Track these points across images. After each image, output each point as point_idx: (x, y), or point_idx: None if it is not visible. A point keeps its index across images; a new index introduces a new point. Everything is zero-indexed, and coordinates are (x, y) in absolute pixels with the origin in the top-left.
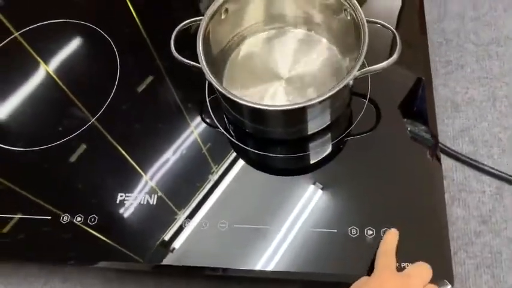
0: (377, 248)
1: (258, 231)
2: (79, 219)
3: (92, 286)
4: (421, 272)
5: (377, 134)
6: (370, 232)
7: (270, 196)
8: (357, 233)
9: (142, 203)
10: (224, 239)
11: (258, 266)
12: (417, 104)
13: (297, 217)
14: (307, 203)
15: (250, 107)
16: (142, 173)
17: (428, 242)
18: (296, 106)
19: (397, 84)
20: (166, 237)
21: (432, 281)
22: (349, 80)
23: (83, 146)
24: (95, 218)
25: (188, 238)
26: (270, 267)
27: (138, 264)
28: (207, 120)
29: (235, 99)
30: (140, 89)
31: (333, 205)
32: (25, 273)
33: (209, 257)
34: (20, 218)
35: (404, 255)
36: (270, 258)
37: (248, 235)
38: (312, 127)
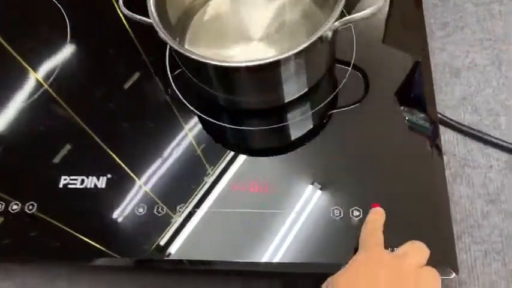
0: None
1: (228, 215)
2: (15, 207)
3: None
4: (416, 251)
5: (364, 105)
6: (356, 213)
7: (243, 174)
8: (340, 214)
9: (89, 186)
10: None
11: (238, 259)
12: (411, 70)
13: (276, 200)
14: (288, 184)
15: (213, 65)
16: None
17: (427, 225)
18: (267, 60)
19: (386, 50)
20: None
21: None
22: (326, 29)
23: None
24: (33, 206)
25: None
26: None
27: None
28: (171, 98)
29: (195, 57)
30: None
31: (316, 184)
32: None
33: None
34: None
35: (399, 241)
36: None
37: (216, 221)
38: (289, 92)
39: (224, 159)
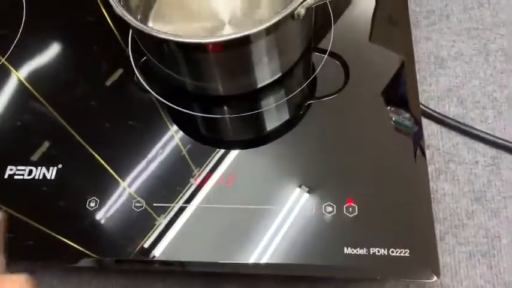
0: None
1: (204, 211)
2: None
3: None
4: None
5: (343, 95)
6: (329, 209)
7: (217, 166)
8: (313, 210)
9: (37, 177)
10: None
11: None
12: (393, 67)
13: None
14: (265, 177)
15: (175, 43)
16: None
17: (406, 223)
18: (234, 36)
19: (365, 37)
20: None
21: (414, 273)
22: (298, 6)
23: None
24: None
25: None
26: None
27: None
28: (136, 89)
29: (155, 33)
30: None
31: (286, 178)
32: None
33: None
34: None
35: (376, 240)
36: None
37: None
38: (261, 77)
39: (196, 150)
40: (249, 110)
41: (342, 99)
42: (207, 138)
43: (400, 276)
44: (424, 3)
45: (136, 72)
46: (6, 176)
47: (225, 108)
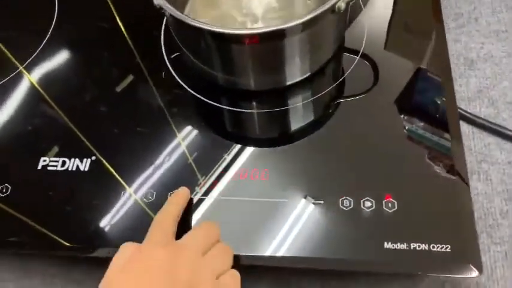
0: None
1: (222, 203)
2: None
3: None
4: (194, 239)
5: (371, 95)
6: (368, 204)
7: (243, 160)
8: (350, 205)
9: (71, 169)
10: None
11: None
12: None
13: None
14: (290, 172)
15: (212, 33)
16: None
17: (446, 219)
18: (271, 28)
19: (396, 39)
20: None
21: (455, 268)
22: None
23: None
24: (6, 189)
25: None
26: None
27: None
28: (169, 81)
29: (194, 23)
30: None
31: (320, 172)
32: None
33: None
34: None
35: (417, 235)
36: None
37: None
38: (292, 74)
39: (222, 144)
40: (278, 106)
41: (372, 98)
42: (233, 132)
43: (441, 271)
44: (452, 6)
45: (168, 65)
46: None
47: (254, 103)
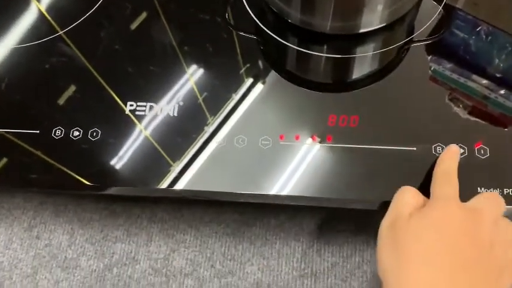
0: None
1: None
2: (76, 133)
3: (89, 222)
4: (492, 204)
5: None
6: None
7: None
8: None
9: (158, 114)
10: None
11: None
12: None
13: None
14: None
15: None
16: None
17: None
18: None
19: None
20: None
21: None
22: None
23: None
24: (97, 133)
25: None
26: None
27: (143, 189)
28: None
29: None
30: None
31: (413, 119)
32: (8, 205)
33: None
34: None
35: (511, 181)
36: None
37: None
38: (366, 22)
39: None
40: (348, 53)
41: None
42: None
43: None
44: None
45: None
46: (127, 112)
47: (325, 47)
